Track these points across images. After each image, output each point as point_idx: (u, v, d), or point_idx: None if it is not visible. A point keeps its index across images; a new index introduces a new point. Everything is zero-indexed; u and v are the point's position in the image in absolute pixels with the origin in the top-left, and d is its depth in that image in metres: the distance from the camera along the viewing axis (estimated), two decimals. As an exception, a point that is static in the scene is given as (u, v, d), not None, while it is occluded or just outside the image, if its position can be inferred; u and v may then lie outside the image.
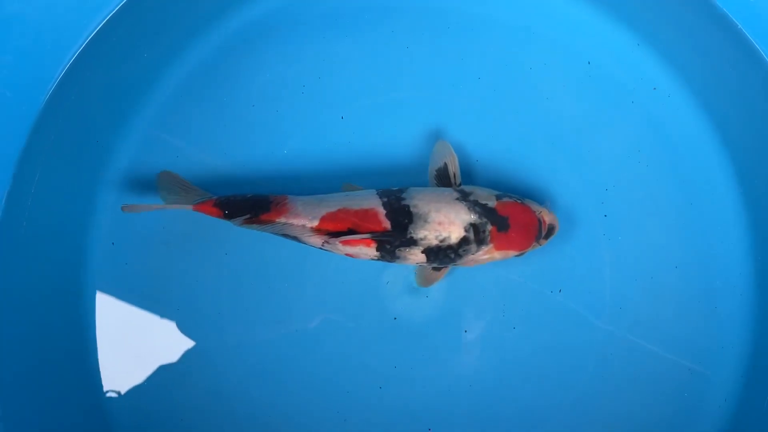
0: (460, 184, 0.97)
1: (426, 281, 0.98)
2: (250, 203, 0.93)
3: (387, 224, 0.90)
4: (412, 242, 0.90)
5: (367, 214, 0.91)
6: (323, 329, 1.01)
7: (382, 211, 0.91)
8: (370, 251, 0.91)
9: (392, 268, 1.01)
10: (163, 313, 1.01)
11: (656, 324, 1.01)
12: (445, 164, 0.97)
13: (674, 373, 1.00)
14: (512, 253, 0.93)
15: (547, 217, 0.94)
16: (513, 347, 1.01)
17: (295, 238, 0.93)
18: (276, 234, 0.93)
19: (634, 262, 1.01)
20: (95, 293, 1.00)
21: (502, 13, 1.03)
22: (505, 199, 0.93)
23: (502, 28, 1.03)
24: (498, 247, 0.92)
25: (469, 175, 1.02)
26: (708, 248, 1.01)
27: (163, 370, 1.00)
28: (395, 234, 0.90)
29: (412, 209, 0.91)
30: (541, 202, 0.97)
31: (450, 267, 0.97)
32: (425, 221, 0.90)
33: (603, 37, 1.03)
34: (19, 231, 0.92)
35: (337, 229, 0.91)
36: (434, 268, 0.97)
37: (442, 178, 0.97)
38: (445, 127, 1.02)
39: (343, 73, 1.03)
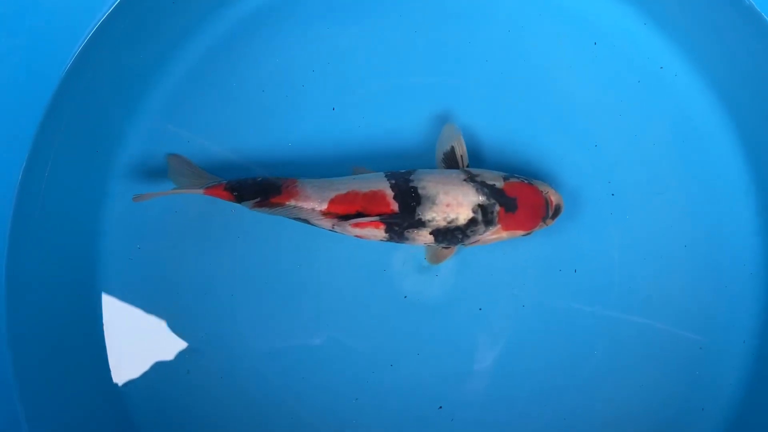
0: (467, 167, 0.98)
1: (436, 258, 0.99)
2: (260, 186, 0.94)
3: (395, 206, 0.91)
4: (421, 224, 0.91)
5: (376, 197, 0.92)
6: (334, 309, 1.02)
7: (390, 194, 0.92)
8: (379, 233, 0.93)
9: (402, 248, 1.02)
10: (176, 297, 1.03)
11: (666, 302, 1.01)
12: (452, 147, 0.98)
13: (685, 350, 1.01)
14: (519, 232, 0.95)
15: (554, 197, 0.95)
16: (523, 325, 1.02)
17: (305, 221, 0.95)
18: (286, 216, 0.95)
19: (643, 240, 1.02)
20: (107, 278, 1.02)
21: (506, -3, 1.04)
22: (512, 180, 0.94)
23: (509, 10, 1.04)
24: (506, 228, 0.93)
25: (476, 157, 1.03)
26: (716, 226, 1.02)
27: (176, 354, 1.02)
28: (404, 216, 0.91)
29: (420, 191, 0.92)
30: (547, 183, 0.98)
31: (459, 246, 0.98)
32: (433, 203, 0.91)
33: (609, 17, 1.03)
34: (33, 217, 0.95)
35: (346, 212, 0.92)
36: (444, 246, 0.98)
37: (450, 161, 0.98)
38: (453, 110, 1.03)
39: (352, 57, 1.04)
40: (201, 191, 0.95)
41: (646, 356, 1.02)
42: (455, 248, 0.98)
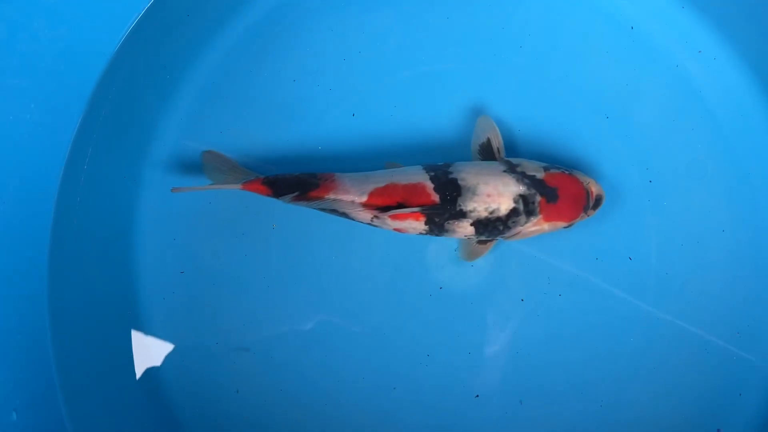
0: (504, 158, 0.97)
1: (471, 255, 0.99)
2: (298, 181, 0.94)
3: (436, 197, 0.90)
4: (462, 215, 0.90)
5: (416, 188, 0.91)
6: (371, 300, 1.02)
7: (430, 185, 0.91)
8: (418, 225, 0.92)
9: (436, 240, 1.02)
10: (211, 289, 1.02)
11: (703, 288, 1.01)
12: (488, 139, 0.97)
13: (724, 334, 1.01)
14: (560, 224, 0.94)
15: (594, 188, 0.95)
16: (559, 314, 1.01)
17: (343, 214, 0.94)
18: (324, 210, 0.95)
19: (680, 226, 1.01)
20: (144, 270, 1.02)
21: (543, -20, 1.02)
22: (553, 170, 0.93)
23: (543, -5, 1.02)
24: (547, 218, 0.92)
25: (512, 145, 1.02)
26: (754, 210, 1.01)
27: (214, 344, 1.02)
28: (444, 207, 0.90)
29: (460, 182, 0.91)
30: (586, 172, 0.97)
31: (495, 241, 0.97)
32: (474, 193, 0.90)
33: (646, 1, 1.01)
34: (73, 209, 0.96)
35: (386, 204, 0.91)
36: (479, 242, 0.97)
37: (486, 153, 0.97)
38: (486, 97, 1.02)
39: (384, 45, 1.03)
40: (238, 186, 0.95)
41: (682, 346, 1.01)
42: (490, 245, 0.97)
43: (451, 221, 0.91)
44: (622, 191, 1.01)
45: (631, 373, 1.01)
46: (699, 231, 1.01)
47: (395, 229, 0.94)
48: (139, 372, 1.01)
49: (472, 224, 0.91)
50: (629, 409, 1.01)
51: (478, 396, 1.02)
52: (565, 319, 1.02)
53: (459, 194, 0.90)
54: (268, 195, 0.95)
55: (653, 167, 1.02)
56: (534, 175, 0.92)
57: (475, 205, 0.90)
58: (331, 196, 0.93)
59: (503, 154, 0.97)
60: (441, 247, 1.02)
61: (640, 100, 1.02)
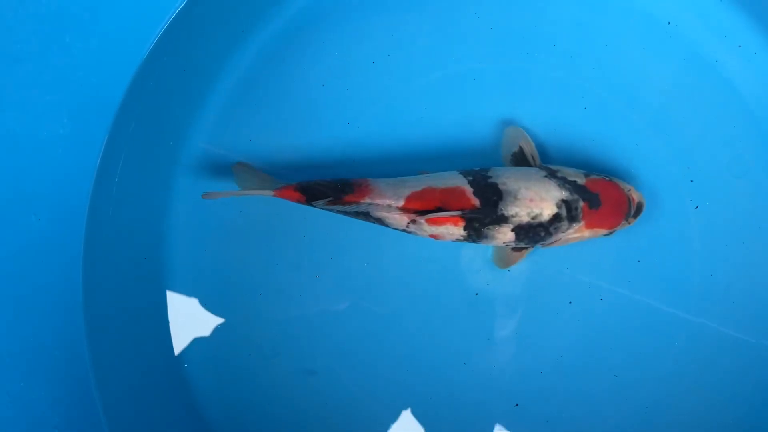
0: (540, 165, 0.95)
1: (506, 262, 0.96)
2: (332, 186, 0.91)
3: (476, 201, 0.88)
4: (503, 219, 0.87)
5: (455, 192, 0.88)
6: (405, 308, 1.00)
7: (469, 189, 0.88)
8: (456, 231, 0.89)
9: (470, 246, 0.99)
10: (242, 296, 1.00)
11: (748, 289, 0.98)
12: (521, 147, 0.95)
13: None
14: (602, 231, 0.91)
15: (635, 195, 0.92)
16: (599, 318, 0.99)
17: (377, 220, 0.92)
18: (357, 217, 0.92)
19: (723, 226, 0.99)
20: (177, 277, 1.00)
21: (575, -23, 1.00)
22: (594, 176, 0.91)
23: (576, -9, 1.00)
24: (589, 225, 0.89)
25: (547, 146, 0.99)
26: (801, 208, 0.99)
27: (245, 351, 1.00)
28: (485, 211, 0.87)
29: (500, 186, 0.88)
30: (624, 172, 0.95)
31: (531, 249, 0.95)
32: (515, 197, 0.87)
33: (683, -5, 1.00)
34: (106, 217, 0.95)
35: (425, 208, 0.89)
36: (514, 249, 0.95)
37: (520, 162, 0.95)
38: (519, 98, 1.00)
39: (413, 47, 1.01)
40: (271, 193, 0.92)
41: (726, 350, 0.99)
42: (525, 252, 0.95)
43: (491, 227, 0.88)
44: (662, 191, 0.99)
45: (674, 378, 0.99)
46: (742, 231, 0.99)
47: (431, 236, 0.91)
48: (176, 380, 1.00)
49: (512, 230, 0.88)
50: (672, 414, 0.99)
51: (517, 405, 1.00)
52: (605, 323, 0.99)
53: (500, 198, 0.87)
54: (301, 201, 0.92)
55: (694, 166, 0.99)
56: (575, 181, 0.90)
57: (517, 209, 0.87)
58: (367, 200, 0.90)
59: (538, 160, 0.95)
60: (475, 252, 1.00)
61: (679, 98, 1.00)
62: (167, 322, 1.00)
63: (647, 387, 0.99)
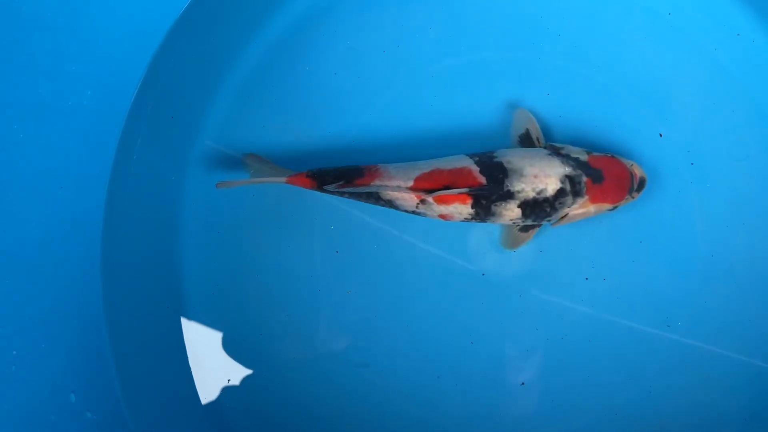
0: (546, 143, 0.97)
1: (513, 242, 0.98)
2: (342, 172, 0.94)
3: (482, 179, 0.90)
4: (509, 195, 0.90)
5: (462, 172, 0.91)
6: (415, 289, 1.02)
7: (476, 169, 0.91)
8: (464, 209, 0.92)
9: (477, 228, 1.02)
10: (255, 282, 1.03)
11: (749, 269, 1.00)
12: (527, 129, 0.98)
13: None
14: (606, 206, 0.94)
15: (637, 170, 0.95)
16: (604, 298, 1.01)
17: (388, 202, 0.94)
18: (368, 201, 0.95)
19: (724, 208, 1.01)
20: (190, 261, 1.03)
21: (579, -30, 1.04)
22: (596, 154, 0.94)
23: (581, -17, 1.04)
24: (593, 200, 0.92)
25: (553, 132, 1.02)
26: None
27: (257, 335, 1.03)
28: (492, 188, 0.90)
29: (506, 165, 0.91)
30: (627, 157, 0.97)
31: (537, 229, 0.97)
32: (521, 174, 0.90)
33: (683, -14, 1.03)
34: (124, 192, 0.98)
35: (433, 188, 0.91)
36: (521, 229, 0.97)
37: (526, 144, 0.98)
38: (526, 85, 1.03)
39: (422, 36, 1.05)
40: (283, 180, 0.96)
41: (728, 329, 1.00)
42: (533, 232, 0.97)
43: (498, 203, 0.91)
44: (664, 174, 1.02)
45: (678, 359, 1.00)
46: (743, 212, 1.01)
47: (440, 216, 0.94)
48: (188, 354, 1.02)
49: (519, 206, 0.91)
50: (677, 395, 1.00)
51: (523, 384, 1.01)
52: (610, 303, 1.01)
53: (506, 176, 0.90)
54: (313, 188, 0.95)
55: (695, 150, 1.02)
56: (578, 158, 0.93)
57: (523, 185, 0.90)
58: (377, 182, 0.93)
59: (543, 142, 0.98)
60: (482, 233, 1.02)
61: (680, 84, 1.03)
62: (182, 301, 1.03)
63: (651, 365, 1.00)
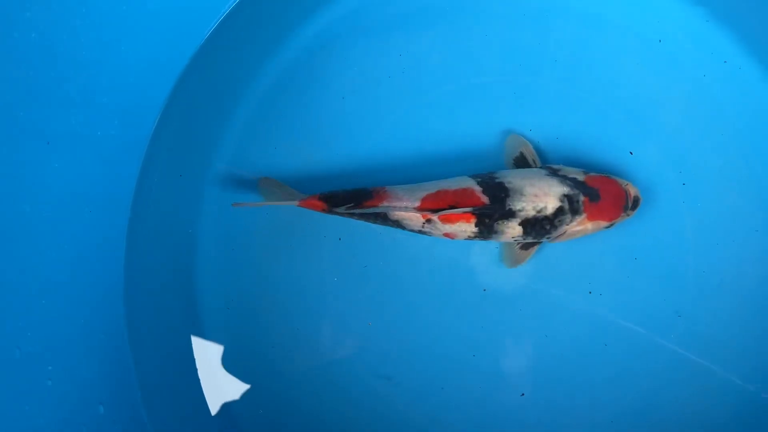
0: (543, 167, 1.02)
1: (514, 260, 1.03)
2: (351, 194, 0.99)
3: (485, 199, 0.95)
4: (511, 214, 0.94)
5: (465, 192, 0.96)
6: (420, 304, 1.06)
7: (478, 189, 0.96)
8: (468, 227, 0.96)
9: (479, 245, 1.06)
10: (268, 297, 1.08)
11: (739, 285, 1.05)
12: (522, 153, 1.03)
13: (759, 329, 1.05)
14: (603, 224, 0.98)
15: (632, 189, 1.00)
16: (600, 313, 1.05)
17: (395, 223, 0.98)
18: (376, 221, 0.99)
19: (715, 227, 1.05)
20: (206, 278, 1.08)
21: (575, 0, 1.09)
22: (592, 174, 0.99)
23: (576, 13, 1.09)
24: (591, 217, 0.96)
25: (550, 153, 1.07)
26: (787, 209, 1.06)
27: (269, 347, 1.07)
28: (494, 207, 0.94)
29: (507, 185, 0.96)
30: (622, 177, 1.02)
31: (537, 247, 1.02)
32: (521, 194, 0.95)
33: (672, 15, 1.08)
34: (146, 214, 1.04)
35: (439, 208, 0.96)
36: (522, 247, 1.02)
37: (522, 166, 1.02)
38: (524, 109, 1.08)
39: (426, 63, 1.09)
40: (296, 203, 1.00)
41: (717, 343, 1.04)
42: (533, 250, 1.02)
43: (500, 222, 0.95)
44: (657, 194, 1.06)
45: (671, 370, 1.04)
46: (733, 230, 1.05)
47: (445, 234, 0.98)
48: (201, 369, 1.07)
49: (520, 224, 0.95)
50: (670, 403, 1.04)
51: (523, 394, 1.05)
52: (606, 317, 1.05)
53: (507, 195, 0.95)
54: (324, 210, 1.00)
55: (686, 171, 1.06)
56: (576, 178, 0.97)
57: (524, 204, 0.94)
58: (385, 203, 0.98)
59: (539, 163, 1.03)
60: (483, 250, 1.07)
61: (671, 108, 1.07)
62: (198, 317, 1.07)
63: (646, 377, 1.04)
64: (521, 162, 1.03)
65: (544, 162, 1.05)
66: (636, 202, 1.00)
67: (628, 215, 1.00)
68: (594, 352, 1.05)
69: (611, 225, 0.99)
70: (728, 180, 1.06)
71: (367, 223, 1.02)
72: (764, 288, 1.05)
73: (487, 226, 0.95)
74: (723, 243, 1.05)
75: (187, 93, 1.06)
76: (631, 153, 1.06)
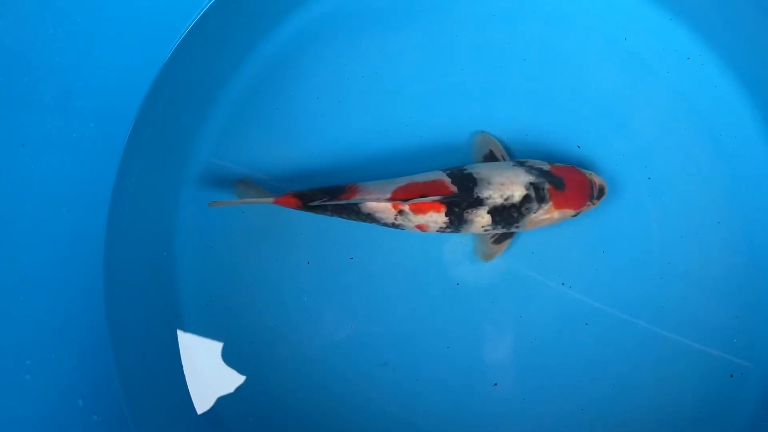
0: (511, 159, 1.05)
1: (488, 255, 1.05)
2: (325, 190, 1.01)
3: (454, 188, 0.97)
4: (479, 202, 0.97)
5: (435, 184, 0.98)
6: (395, 299, 1.08)
7: (448, 180, 0.98)
8: (440, 217, 0.97)
9: (452, 240, 1.09)
10: (245, 291, 1.09)
11: (703, 273, 1.08)
12: (491, 150, 1.06)
13: (722, 316, 1.08)
14: (569, 212, 1.01)
15: (596, 179, 1.02)
16: (569, 303, 1.08)
17: (368, 216, 1.00)
18: (349, 217, 1.01)
19: (679, 219, 1.08)
20: (185, 274, 1.09)
21: (542, 0, 1.12)
22: (557, 164, 1.02)
23: (544, 13, 1.12)
24: (557, 205, 0.99)
25: (519, 150, 1.10)
26: (747, 200, 1.09)
27: (248, 342, 1.09)
28: (462, 195, 0.96)
29: (475, 175, 0.98)
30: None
31: (510, 241, 1.04)
32: (489, 183, 0.97)
33: (638, 14, 1.11)
34: (124, 213, 1.06)
35: (410, 198, 0.97)
36: (495, 241, 1.04)
37: (491, 161, 1.05)
38: (494, 106, 1.10)
39: (399, 63, 1.12)
40: (271, 200, 1.03)
41: (686, 323, 1.07)
42: (506, 244, 1.04)
43: (469, 210, 0.97)
44: (623, 188, 1.09)
45: (638, 359, 1.07)
46: (696, 223, 1.08)
47: (417, 227, 1.00)
48: (184, 361, 1.09)
49: (489, 212, 0.97)
50: (636, 392, 1.07)
51: (496, 384, 1.08)
52: (574, 307, 1.08)
53: (475, 184, 0.97)
54: (298, 207, 1.02)
55: (651, 165, 1.09)
56: (541, 168, 1.00)
57: (491, 192, 0.97)
58: (358, 196, 1.00)
59: (508, 158, 1.06)
60: (456, 245, 1.09)
61: (636, 104, 1.10)
62: (178, 311, 1.09)
63: (613, 366, 1.07)
64: (490, 159, 1.06)
65: (513, 158, 1.08)
66: (602, 191, 1.03)
67: (594, 204, 1.02)
68: (564, 343, 1.08)
69: (578, 213, 1.02)
70: (692, 174, 1.09)
71: (341, 218, 1.04)
72: (728, 277, 1.08)
73: (457, 216, 0.97)
74: (687, 234, 1.08)
75: (162, 94, 1.08)
76: (578, 147, 1.09)
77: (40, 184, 0.93)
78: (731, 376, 1.07)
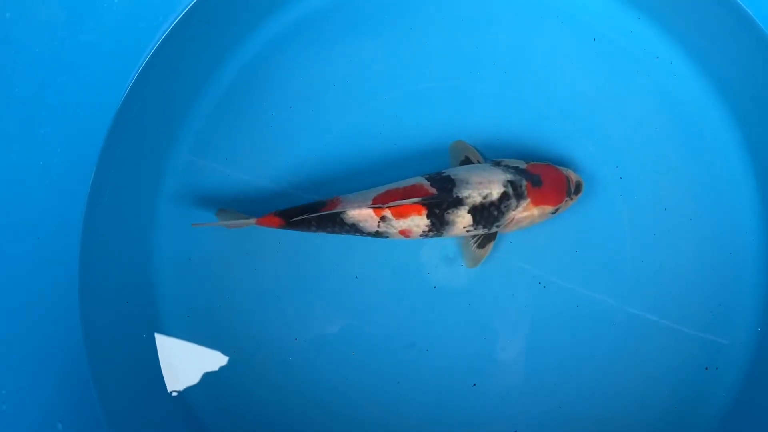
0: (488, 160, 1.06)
1: (474, 259, 1.06)
2: (307, 206, 1.02)
3: (433, 191, 0.98)
4: (459, 202, 0.97)
5: (414, 188, 0.99)
6: (374, 304, 1.10)
7: (427, 183, 0.99)
8: (422, 220, 0.98)
9: (429, 244, 1.10)
10: (224, 299, 1.11)
11: (675, 271, 1.09)
12: (467, 156, 1.07)
13: (696, 313, 1.09)
14: (548, 209, 1.02)
15: (573, 176, 1.03)
16: (544, 304, 1.09)
17: (352, 227, 1.01)
18: (333, 230, 1.02)
19: (651, 217, 1.10)
20: (165, 286, 1.11)
21: (511, 4, 1.12)
22: (533, 162, 1.03)
23: (512, 16, 1.12)
24: (535, 202, 1.00)
25: (492, 153, 1.10)
26: (717, 198, 1.10)
27: (231, 352, 1.11)
28: (442, 196, 0.97)
29: (453, 177, 0.99)
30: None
31: (493, 244, 1.05)
32: (467, 183, 0.98)
33: (606, 14, 1.11)
34: (98, 235, 1.07)
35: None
36: (479, 246, 1.05)
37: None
38: (466, 111, 1.11)
39: (369, 71, 1.12)
40: (254, 221, 1.04)
41: (661, 320, 1.09)
42: (489, 247, 1.05)
43: (450, 210, 0.98)
44: (595, 188, 1.10)
45: (614, 356, 1.09)
46: (668, 221, 1.10)
47: (401, 232, 1.00)
48: (166, 378, 1.10)
49: (469, 211, 0.98)
50: (610, 390, 1.09)
51: (475, 385, 1.10)
52: (549, 308, 1.09)
53: (454, 185, 0.98)
54: (282, 226, 1.03)
55: (623, 165, 1.10)
56: (517, 166, 1.01)
57: (470, 191, 0.98)
58: (339, 207, 1.00)
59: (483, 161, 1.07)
60: (432, 249, 1.10)
61: (607, 104, 1.11)
62: (158, 325, 1.11)
63: (588, 366, 1.09)
64: (467, 164, 1.06)
65: (490, 156, 1.09)
66: (578, 187, 1.04)
67: (572, 200, 1.04)
68: (541, 342, 1.10)
69: (557, 210, 1.03)
70: (662, 172, 1.10)
71: (324, 233, 1.05)
72: (700, 274, 1.09)
73: (438, 217, 0.98)
74: (659, 233, 1.10)
75: (132, 113, 1.08)
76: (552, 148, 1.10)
77: (6, 212, 0.94)
78: (706, 369, 1.09)
